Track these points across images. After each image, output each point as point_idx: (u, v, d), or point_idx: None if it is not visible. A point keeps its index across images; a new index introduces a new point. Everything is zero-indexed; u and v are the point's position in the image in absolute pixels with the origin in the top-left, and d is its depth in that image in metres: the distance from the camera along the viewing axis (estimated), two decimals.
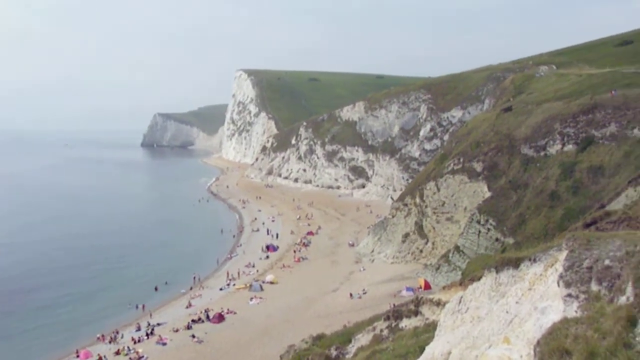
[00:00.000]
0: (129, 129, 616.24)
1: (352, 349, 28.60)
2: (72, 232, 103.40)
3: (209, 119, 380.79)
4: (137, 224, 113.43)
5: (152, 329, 56.08)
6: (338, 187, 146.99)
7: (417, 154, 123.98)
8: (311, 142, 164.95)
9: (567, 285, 7.19)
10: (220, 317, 57.88)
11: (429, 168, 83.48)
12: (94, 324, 59.26)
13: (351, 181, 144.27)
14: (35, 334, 56.85)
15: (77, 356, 50.50)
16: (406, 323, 28.14)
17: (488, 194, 62.90)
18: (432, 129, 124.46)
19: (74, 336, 56.47)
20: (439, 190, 72.14)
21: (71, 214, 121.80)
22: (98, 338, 55.64)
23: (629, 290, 6.38)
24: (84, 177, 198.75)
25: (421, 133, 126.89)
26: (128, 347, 51.34)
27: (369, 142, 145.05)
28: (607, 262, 7.09)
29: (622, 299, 6.39)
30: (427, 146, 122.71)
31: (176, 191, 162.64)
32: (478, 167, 67.25)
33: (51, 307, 64.26)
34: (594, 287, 6.95)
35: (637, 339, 5.71)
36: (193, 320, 57.43)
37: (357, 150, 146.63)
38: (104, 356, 49.50)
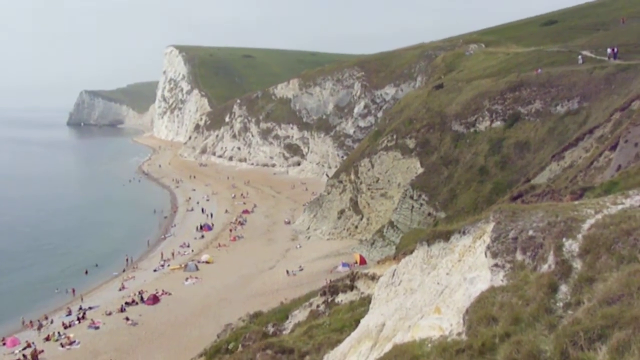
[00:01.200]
0: (52, 107, 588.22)
1: (289, 325, 28.83)
2: None
3: (139, 96, 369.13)
4: (65, 206, 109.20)
5: (84, 313, 54.52)
6: (273, 165, 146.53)
7: (351, 131, 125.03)
8: (245, 120, 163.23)
9: (494, 255, 7.46)
10: (155, 299, 56.97)
11: (363, 145, 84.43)
12: (21, 310, 56.82)
13: (286, 159, 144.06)
14: None
15: (4, 344, 48.48)
16: (342, 298, 28.59)
17: (421, 170, 64.38)
18: (366, 106, 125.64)
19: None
20: (373, 166, 73.19)
21: None
22: (25, 324, 53.63)
23: (551, 258, 6.68)
24: (6, 159, 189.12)
25: (355, 110, 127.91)
26: (59, 333, 49.77)
27: (304, 120, 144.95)
28: (530, 232, 7.38)
29: (544, 267, 6.69)
30: (362, 123, 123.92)
31: (106, 171, 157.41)
32: (411, 143, 68.58)
33: None
34: (519, 256, 7.23)
35: (557, 304, 6.00)
36: (127, 303, 56.27)
37: (291, 128, 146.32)
38: (33, 342, 47.80)
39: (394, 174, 70.42)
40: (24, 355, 45.00)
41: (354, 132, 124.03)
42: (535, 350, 5.23)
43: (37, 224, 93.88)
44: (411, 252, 12.15)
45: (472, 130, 62.12)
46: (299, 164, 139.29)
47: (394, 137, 71.88)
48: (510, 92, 60.79)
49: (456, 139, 63.28)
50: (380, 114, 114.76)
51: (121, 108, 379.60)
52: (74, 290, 62.32)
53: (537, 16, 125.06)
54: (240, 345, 25.60)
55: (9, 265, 71.37)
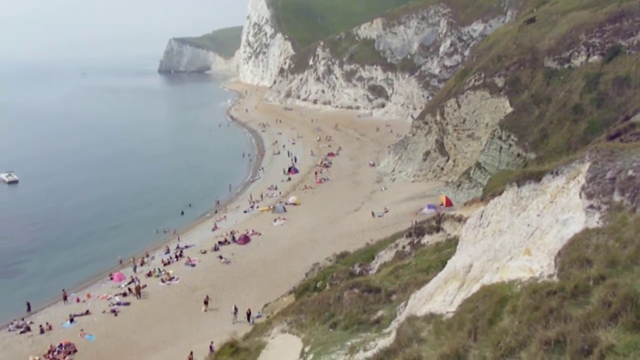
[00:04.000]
0: (143, 53, 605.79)
1: (375, 265, 29.35)
2: (97, 162, 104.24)
3: (225, 42, 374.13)
4: (160, 151, 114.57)
5: (181, 251, 57.84)
6: (357, 107, 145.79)
7: (437, 71, 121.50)
8: (329, 62, 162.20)
9: (589, 196, 7.22)
10: (245, 239, 59.38)
11: (450, 85, 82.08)
12: (125, 249, 60.97)
13: (370, 101, 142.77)
14: (70, 262, 58.57)
15: (111, 279, 52.47)
16: (428, 239, 28.66)
17: (510, 110, 62.03)
18: (452, 45, 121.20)
19: (106, 261, 58.39)
20: (459, 107, 71.22)
21: (94, 144, 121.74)
22: (122, 263, 57.52)
23: None
24: (105, 106, 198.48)
25: (441, 49, 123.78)
26: (159, 269, 53.20)
27: (388, 60, 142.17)
28: (630, 172, 7.06)
29: None
30: (448, 62, 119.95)
31: (196, 117, 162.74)
32: (499, 82, 65.91)
33: (82, 236, 65.68)
34: (617, 197, 6.96)
35: None
36: (219, 242, 59.01)
37: (375, 69, 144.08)
38: (137, 277, 51.42)
39: (481, 114, 68.25)
40: (129, 289, 48.61)
41: (440, 71, 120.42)
42: (633, 293, 5.10)
43: (136, 168, 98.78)
44: (500, 193, 11.94)
45: (566, 66, 58.69)
46: (383, 106, 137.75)
47: (482, 75, 69.25)
48: (609, 23, 56.56)
49: (549, 76, 60.09)
50: (467, 52, 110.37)
51: (208, 54, 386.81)
52: (174, 231, 65.82)
53: None
54: (327, 284, 26.40)
55: (111, 207, 76.08)
